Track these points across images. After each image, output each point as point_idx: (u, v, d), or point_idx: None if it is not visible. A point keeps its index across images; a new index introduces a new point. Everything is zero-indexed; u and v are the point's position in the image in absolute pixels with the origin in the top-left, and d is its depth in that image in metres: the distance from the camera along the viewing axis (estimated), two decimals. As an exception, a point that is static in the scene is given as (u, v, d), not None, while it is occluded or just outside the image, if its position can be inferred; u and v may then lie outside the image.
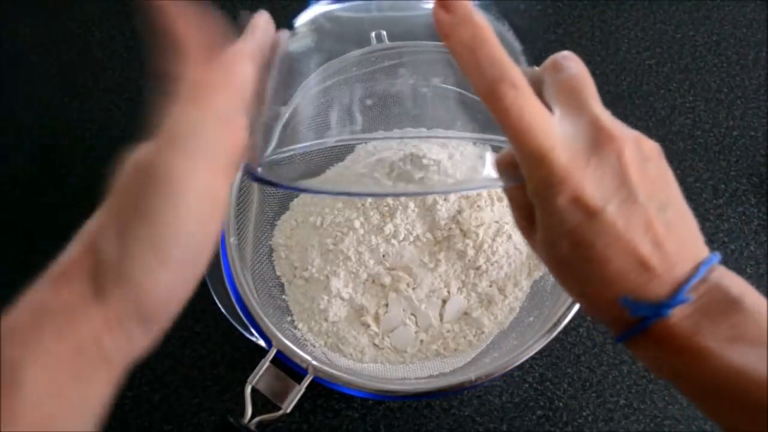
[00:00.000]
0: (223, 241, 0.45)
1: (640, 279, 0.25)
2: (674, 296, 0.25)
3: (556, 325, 0.41)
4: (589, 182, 0.24)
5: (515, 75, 0.24)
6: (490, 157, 0.28)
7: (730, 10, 0.70)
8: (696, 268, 0.25)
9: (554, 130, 0.24)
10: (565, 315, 0.41)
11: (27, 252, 0.56)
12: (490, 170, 0.28)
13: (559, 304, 0.43)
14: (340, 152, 0.56)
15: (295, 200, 0.54)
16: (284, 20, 0.64)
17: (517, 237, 0.50)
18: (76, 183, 0.59)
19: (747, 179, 0.59)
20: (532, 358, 0.42)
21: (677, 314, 0.25)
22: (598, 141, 0.25)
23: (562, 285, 0.29)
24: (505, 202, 0.50)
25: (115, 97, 0.64)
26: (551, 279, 0.49)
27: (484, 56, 0.24)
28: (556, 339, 0.42)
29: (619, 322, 0.26)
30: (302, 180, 0.33)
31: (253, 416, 0.37)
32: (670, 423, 0.49)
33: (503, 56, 0.24)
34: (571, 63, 0.26)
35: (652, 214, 0.25)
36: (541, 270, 0.50)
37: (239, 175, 0.47)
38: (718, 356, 0.24)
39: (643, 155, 0.25)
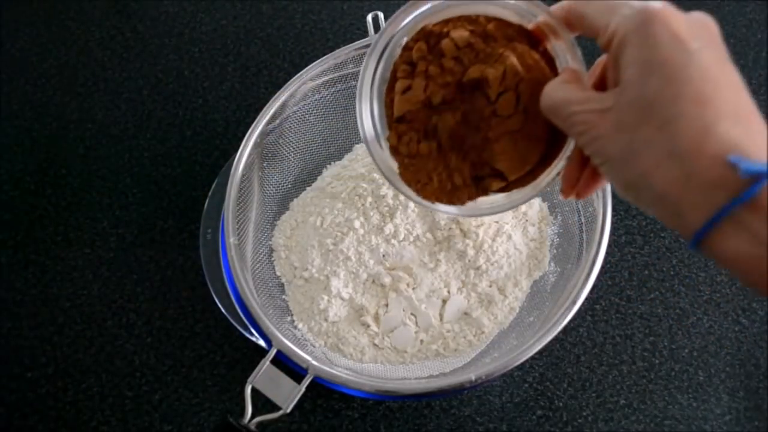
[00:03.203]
0: (223, 241, 0.45)
1: (744, 127, 0.22)
2: None
3: (556, 325, 0.41)
4: (684, 21, 0.24)
5: None
6: None
7: (730, 10, 0.70)
8: None
9: None
10: (565, 315, 0.41)
11: (27, 252, 0.56)
12: None
13: (559, 304, 0.43)
14: (338, 151, 0.56)
15: (295, 200, 0.54)
16: (287, 20, 0.64)
17: (517, 237, 0.50)
18: (76, 183, 0.59)
19: (747, 179, 0.59)
20: (532, 358, 0.42)
21: None
22: (692, 13, 0.25)
23: (642, 155, 0.24)
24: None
25: (115, 97, 0.64)
26: (551, 279, 0.49)
27: None
28: (556, 339, 0.42)
29: (718, 191, 0.22)
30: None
31: (253, 416, 0.37)
32: (670, 423, 0.49)
33: None
34: None
35: (740, 84, 0.24)
36: (541, 270, 0.50)
37: (239, 175, 0.47)
38: None
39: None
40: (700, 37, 0.24)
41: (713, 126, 0.22)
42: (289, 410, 0.38)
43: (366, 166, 0.52)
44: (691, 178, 0.23)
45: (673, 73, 0.23)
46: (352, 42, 0.51)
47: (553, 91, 0.29)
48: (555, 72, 0.33)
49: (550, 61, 0.33)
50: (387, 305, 0.49)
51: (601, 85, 0.29)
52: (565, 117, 0.28)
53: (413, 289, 0.49)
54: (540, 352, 0.41)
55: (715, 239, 0.23)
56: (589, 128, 0.26)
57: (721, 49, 0.24)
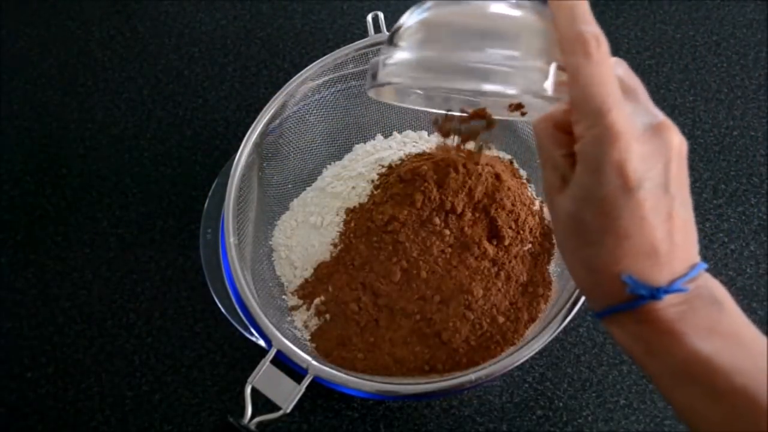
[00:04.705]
0: (223, 241, 0.45)
1: (646, 262, 0.27)
2: (672, 284, 0.27)
3: (556, 325, 0.41)
4: (637, 155, 0.26)
5: (601, 35, 0.27)
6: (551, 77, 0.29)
7: (730, 10, 0.70)
8: (692, 267, 0.28)
9: (620, 97, 0.27)
10: (565, 315, 0.41)
11: (27, 252, 0.56)
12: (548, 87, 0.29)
13: (559, 304, 0.43)
14: (338, 151, 0.56)
15: (295, 200, 0.54)
16: (285, 19, 0.64)
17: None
18: (76, 183, 0.59)
19: (747, 179, 0.59)
20: (532, 358, 0.42)
21: (668, 300, 0.27)
22: (656, 126, 0.27)
23: (567, 250, 0.30)
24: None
25: (115, 97, 0.64)
26: (551, 279, 0.49)
27: (581, 7, 0.27)
28: (556, 339, 0.42)
29: (612, 297, 0.28)
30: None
31: (253, 416, 0.37)
32: (670, 423, 0.49)
33: (592, 17, 0.27)
34: (622, 65, 0.29)
35: (676, 207, 0.27)
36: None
37: (239, 175, 0.47)
38: (693, 342, 0.27)
39: (682, 152, 0.28)
40: (650, 168, 0.27)
41: (623, 258, 0.27)
42: (289, 410, 0.38)
43: (366, 166, 0.52)
44: (595, 286, 0.29)
45: (607, 210, 0.27)
46: (352, 42, 0.51)
47: (540, 132, 0.30)
48: None
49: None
50: (387, 305, 0.49)
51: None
52: (541, 158, 0.31)
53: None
54: (540, 352, 0.41)
55: (607, 325, 0.30)
56: (548, 192, 0.30)
57: (667, 174, 0.27)
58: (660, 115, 0.28)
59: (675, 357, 0.27)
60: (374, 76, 0.32)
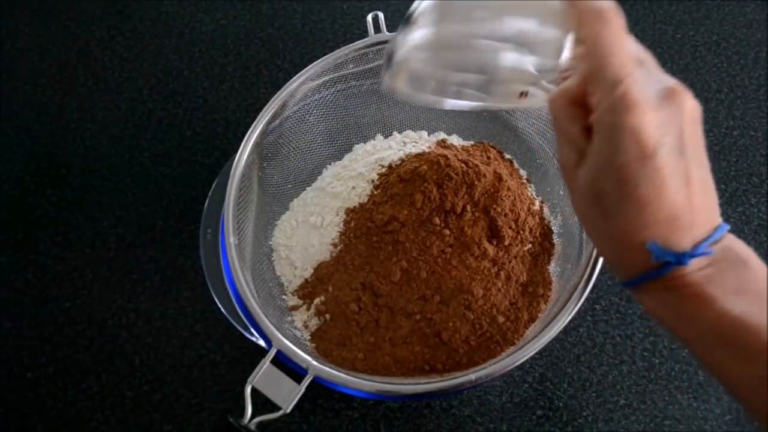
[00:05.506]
0: (223, 241, 0.45)
1: (668, 228, 0.27)
2: (697, 248, 0.27)
3: (556, 325, 0.41)
4: (652, 121, 0.26)
5: (616, 6, 0.28)
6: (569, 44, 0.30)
7: (730, 10, 0.70)
8: (714, 229, 0.28)
9: (635, 66, 0.27)
10: (565, 315, 0.41)
11: (27, 252, 0.56)
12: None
13: (559, 304, 0.43)
14: (338, 151, 0.56)
15: (295, 200, 0.54)
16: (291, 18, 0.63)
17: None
18: (76, 183, 0.59)
19: (747, 179, 0.59)
20: (532, 358, 0.42)
21: (694, 265, 0.27)
22: (668, 92, 0.27)
23: (589, 224, 0.30)
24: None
25: (115, 97, 0.64)
26: (551, 279, 0.49)
27: None
28: (556, 339, 0.41)
29: (638, 266, 0.28)
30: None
31: (253, 416, 0.37)
32: (670, 423, 0.49)
33: None
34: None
35: (693, 171, 0.27)
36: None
37: (239, 175, 0.47)
38: (722, 304, 0.27)
39: (696, 116, 0.28)
40: (665, 133, 0.27)
41: (645, 226, 0.27)
42: (289, 410, 0.38)
43: (366, 166, 0.52)
44: (620, 257, 0.29)
45: (625, 178, 0.27)
46: (352, 42, 0.51)
47: (556, 108, 0.30)
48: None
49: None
50: (387, 305, 0.49)
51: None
52: (557, 134, 0.31)
53: (413, 289, 0.49)
54: (540, 352, 0.41)
55: (635, 294, 0.30)
56: (565, 168, 0.30)
57: (681, 138, 0.27)
58: (672, 81, 0.28)
59: (705, 320, 0.27)
60: (389, 61, 0.32)
